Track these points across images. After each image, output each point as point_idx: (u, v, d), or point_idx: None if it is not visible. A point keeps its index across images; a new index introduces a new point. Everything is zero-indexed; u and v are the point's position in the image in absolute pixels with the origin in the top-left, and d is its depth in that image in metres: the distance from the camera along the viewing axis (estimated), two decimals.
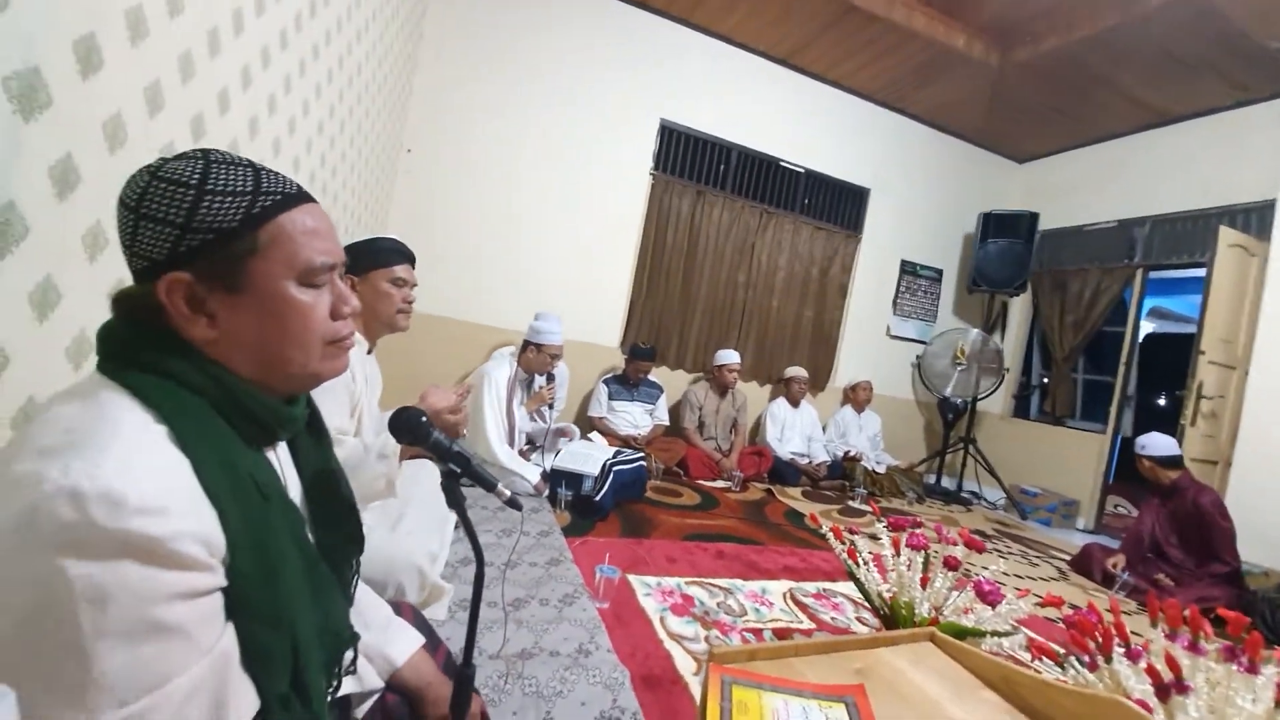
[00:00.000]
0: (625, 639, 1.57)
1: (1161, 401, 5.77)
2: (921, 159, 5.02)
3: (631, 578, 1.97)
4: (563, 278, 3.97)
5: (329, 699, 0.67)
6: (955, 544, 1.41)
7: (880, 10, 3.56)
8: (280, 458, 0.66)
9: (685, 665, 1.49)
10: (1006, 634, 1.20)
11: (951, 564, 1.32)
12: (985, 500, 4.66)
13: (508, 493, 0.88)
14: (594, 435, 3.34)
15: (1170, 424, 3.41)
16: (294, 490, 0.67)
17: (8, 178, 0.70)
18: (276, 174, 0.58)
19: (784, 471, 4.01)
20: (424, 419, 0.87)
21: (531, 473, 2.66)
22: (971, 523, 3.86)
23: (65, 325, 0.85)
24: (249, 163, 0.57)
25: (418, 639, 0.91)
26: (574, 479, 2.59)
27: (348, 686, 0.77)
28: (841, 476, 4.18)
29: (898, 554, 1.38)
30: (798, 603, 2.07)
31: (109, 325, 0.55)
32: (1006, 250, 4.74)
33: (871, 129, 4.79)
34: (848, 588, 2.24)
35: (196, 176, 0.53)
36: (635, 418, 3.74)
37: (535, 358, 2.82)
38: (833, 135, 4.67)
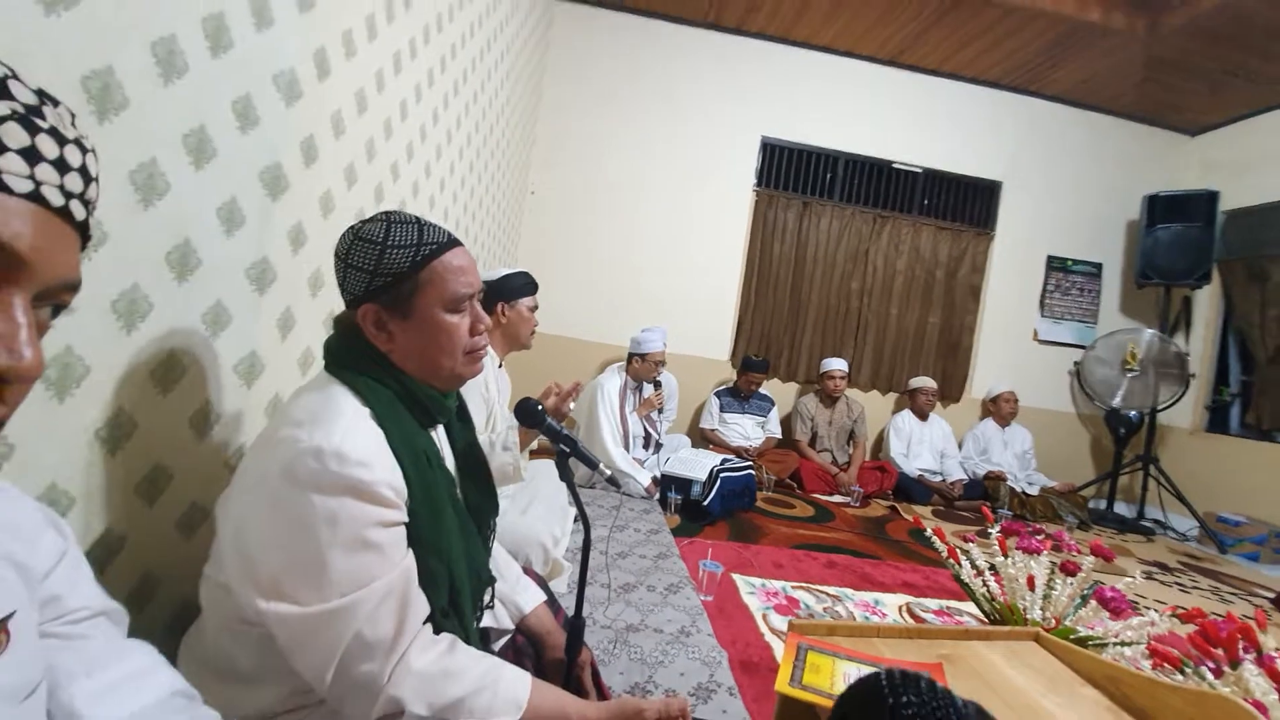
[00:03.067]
0: (726, 628, 1.65)
1: None
2: (1064, 142, 4.52)
3: (735, 576, 2.04)
4: (673, 295, 4.17)
5: (475, 624, 0.87)
6: (1080, 552, 1.31)
7: None
8: (439, 438, 0.89)
9: None
10: (1129, 643, 1.10)
11: (1070, 569, 1.24)
12: (1172, 530, 3.97)
13: (608, 471, 1.06)
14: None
15: None
16: (449, 462, 0.90)
17: (264, 242, 1.03)
18: (435, 226, 0.78)
19: (911, 489, 3.78)
20: (539, 407, 1.08)
21: (644, 476, 2.84)
22: (1151, 555, 3.33)
23: (298, 342, 1.18)
24: (416, 220, 0.77)
25: (541, 594, 1.10)
26: (683, 484, 2.73)
27: (487, 620, 0.98)
28: (982, 497, 3.82)
29: (1005, 556, 1.32)
30: (914, 616, 1.98)
31: (331, 340, 0.80)
32: (1181, 236, 4.07)
33: (999, 117, 4.43)
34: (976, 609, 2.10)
35: (380, 236, 0.74)
36: (746, 430, 3.78)
37: (640, 367, 3.14)
38: (953, 129, 4.40)
